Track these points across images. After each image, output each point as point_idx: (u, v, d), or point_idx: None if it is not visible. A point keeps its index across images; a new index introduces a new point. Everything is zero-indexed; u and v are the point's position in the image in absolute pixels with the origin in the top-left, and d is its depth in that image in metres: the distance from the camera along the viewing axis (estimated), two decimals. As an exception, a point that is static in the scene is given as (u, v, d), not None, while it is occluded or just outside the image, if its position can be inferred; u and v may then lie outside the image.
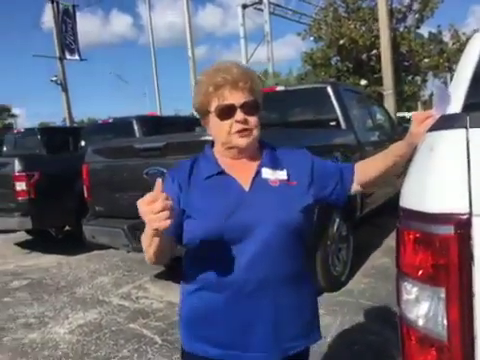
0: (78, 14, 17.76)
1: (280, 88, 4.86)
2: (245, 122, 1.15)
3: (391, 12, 10.65)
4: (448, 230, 0.76)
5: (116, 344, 2.86)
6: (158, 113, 17.96)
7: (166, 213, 0.91)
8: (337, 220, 3.62)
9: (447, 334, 0.77)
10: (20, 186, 4.96)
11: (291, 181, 1.20)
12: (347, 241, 3.82)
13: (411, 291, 0.84)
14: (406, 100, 12.47)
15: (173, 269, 3.79)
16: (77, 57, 17.65)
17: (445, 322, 0.77)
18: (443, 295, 0.77)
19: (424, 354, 0.82)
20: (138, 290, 3.91)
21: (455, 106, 0.99)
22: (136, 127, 6.00)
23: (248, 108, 1.16)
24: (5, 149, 7.94)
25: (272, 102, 4.80)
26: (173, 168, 1.26)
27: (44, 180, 5.05)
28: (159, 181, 0.95)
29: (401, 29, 12.16)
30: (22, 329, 3.22)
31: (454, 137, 0.79)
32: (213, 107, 1.17)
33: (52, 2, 16.56)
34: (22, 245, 6.12)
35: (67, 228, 5.77)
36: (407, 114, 13.63)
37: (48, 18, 18.79)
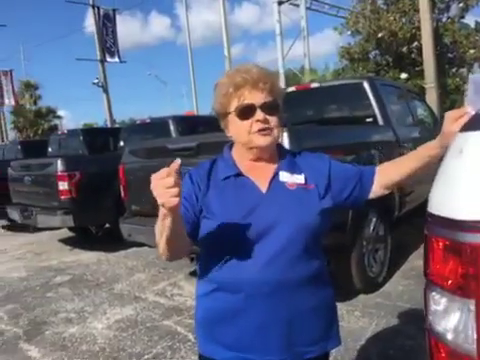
0: (118, 17, 18.26)
1: (315, 85, 4.77)
2: (265, 121, 1.15)
3: (433, 2, 10.19)
4: (479, 238, 0.71)
5: (150, 340, 2.92)
6: (195, 112, 18.20)
7: (176, 190, 0.89)
8: (374, 219, 3.52)
9: (477, 349, 0.72)
10: (62, 185, 5.19)
11: (308, 184, 1.19)
12: (385, 241, 3.70)
13: (439, 302, 0.79)
14: (450, 93, 11.89)
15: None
16: (117, 59, 18.12)
17: (475, 336, 0.72)
18: (473, 307, 0.72)
19: (453, 369, 0.77)
20: (173, 287, 3.98)
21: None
22: (172, 127, 6.09)
23: (268, 108, 1.15)
24: (50, 150, 8.25)
25: (307, 99, 4.74)
26: (192, 168, 1.26)
27: (85, 179, 5.26)
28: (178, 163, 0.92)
29: (444, 19, 11.61)
30: (63, 323, 3.36)
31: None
32: (233, 107, 1.16)
33: (93, 7, 17.11)
34: (65, 242, 6.40)
35: (107, 226, 5.96)
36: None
37: (90, 22, 19.49)
